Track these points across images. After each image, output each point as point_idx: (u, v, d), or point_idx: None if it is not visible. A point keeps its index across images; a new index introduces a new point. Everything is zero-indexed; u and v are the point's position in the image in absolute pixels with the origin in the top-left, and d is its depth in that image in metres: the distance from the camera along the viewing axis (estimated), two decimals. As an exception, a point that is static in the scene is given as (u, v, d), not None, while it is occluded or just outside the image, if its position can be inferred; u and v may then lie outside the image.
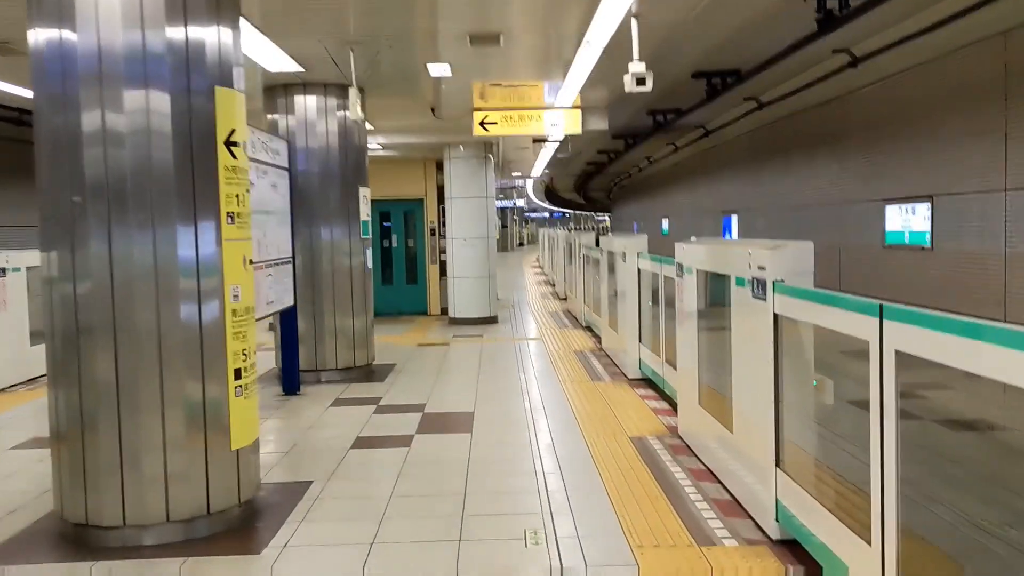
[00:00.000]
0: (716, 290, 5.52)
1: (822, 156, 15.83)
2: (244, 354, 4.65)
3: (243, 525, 4.60)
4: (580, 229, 60.40)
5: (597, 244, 11.76)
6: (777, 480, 4.17)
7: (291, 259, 8.10)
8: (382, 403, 7.75)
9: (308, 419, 7.16)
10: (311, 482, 5.35)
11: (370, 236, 9.42)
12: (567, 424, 6.75)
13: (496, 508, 4.78)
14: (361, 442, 6.34)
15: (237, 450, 4.60)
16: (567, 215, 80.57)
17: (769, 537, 4.25)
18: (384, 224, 16.11)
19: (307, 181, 8.91)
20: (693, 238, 6.35)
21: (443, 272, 14.91)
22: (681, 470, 5.43)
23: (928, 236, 11.72)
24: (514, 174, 20.60)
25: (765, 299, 4.23)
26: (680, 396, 6.27)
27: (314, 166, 8.91)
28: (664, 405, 7.38)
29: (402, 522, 4.60)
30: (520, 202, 45.19)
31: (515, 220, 63.79)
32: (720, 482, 5.12)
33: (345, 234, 9.01)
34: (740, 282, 4.63)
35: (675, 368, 6.97)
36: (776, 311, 4.15)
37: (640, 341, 8.60)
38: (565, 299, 18.13)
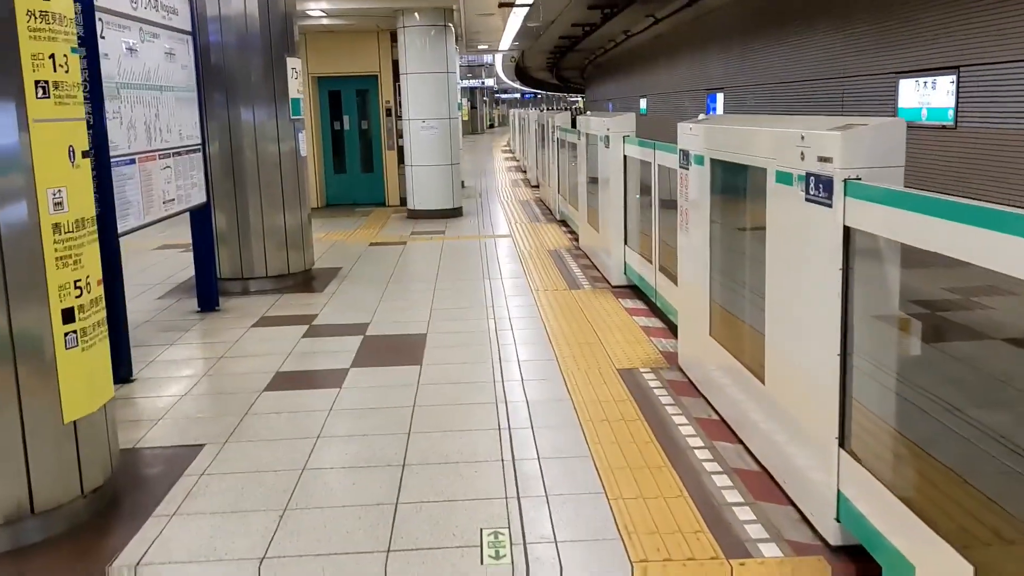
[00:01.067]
0: (737, 186, 4.14)
1: (823, 26, 14.20)
2: (80, 287, 3.25)
3: (89, 525, 3.31)
4: (553, 110, 57.97)
5: (573, 125, 10.26)
6: (841, 465, 2.91)
7: (200, 146, 6.58)
8: (316, 322, 6.41)
9: (218, 347, 5.81)
10: (202, 447, 4.04)
11: (302, 116, 7.86)
12: (541, 351, 5.47)
13: (443, 490, 3.52)
14: (279, 381, 5.02)
15: (75, 422, 3.26)
16: (539, 96, 77.82)
17: (824, 540, 3.02)
18: (334, 105, 14.40)
19: (222, 52, 7.29)
20: (702, 115, 4.91)
21: (401, 159, 13.35)
22: (687, 421, 4.18)
23: (951, 112, 10.35)
24: (480, 47, 18.73)
25: (830, 204, 2.87)
26: (682, 319, 4.97)
27: (230, 34, 7.28)
28: (657, 323, 6.10)
29: (310, 518, 3.32)
30: (490, 82, 42.95)
31: (485, 101, 61.25)
32: (742, 442, 3.88)
33: (271, 115, 7.46)
34: (783, 179, 3.26)
35: (672, 279, 5.66)
36: (848, 223, 2.80)
37: (626, 243, 7.26)
38: (537, 186, 16.67)
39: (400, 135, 13.36)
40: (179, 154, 6.14)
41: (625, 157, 7.17)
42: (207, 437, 4.16)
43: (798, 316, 3.18)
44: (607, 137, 7.33)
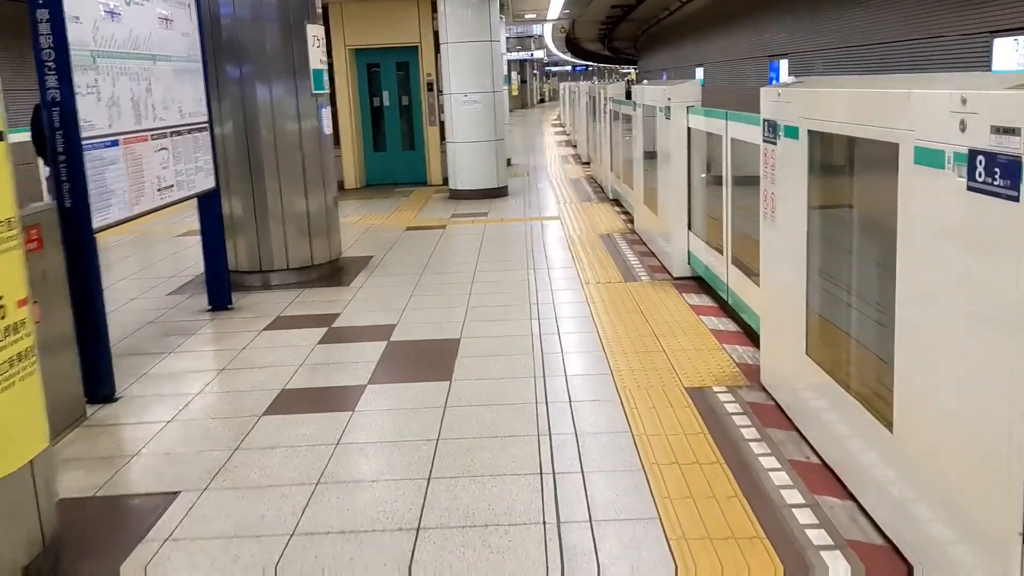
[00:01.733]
0: (847, 165, 3.23)
1: (907, -20, 12.98)
2: (-8, 310, 2.50)
3: (9, 617, 2.58)
4: (605, 82, 56.42)
5: (628, 96, 9.32)
6: (1026, 572, 2.03)
7: (207, 125, 5.83)
8: (336, 324, 5.64)
9: (222, 356, 5.07)
10: (176, 495, 3.29)
11: (326, 91, 7.06)
12: (593, 363, 4.62)
13: (463, 572, 2.71)
14: (283, 402, 4.26)
15: (-12, 486, 2.52)
16: (590, 68, 76.30)
17: (994, 670, 2.14)
18: (372, 80, 13.62)
19: (233, 19, 6.53)
20: (791, 77, 3.98)
21: (444, 136, 12.52)
22: (779, 465, 3.30)
23: (1058, 76, 9.16)
24: (527, 16, 17.77)
25: (1017, 196, 1.97)
26: (766, 328, 4.07)
27: (242, 2, 6.51)
28: (730, 325, 5.21)
29: (293, 609, 2.54)
30: (539, 54, 41.81)
31: (535, 74, 60.05)
32: (853, 498, 3.00)
33: (290, 89, 6.68)
34: (928, 158, 2.35)
35: (749, 276, 4.76)
36: (1049, 224, 1.90)
37: (690, 228, 6.35)
38: (588, 163, 15.73)
39: (442, 110, 12.53)
40: (179, 134, 5.39)
41: (689, 130, 6.25)
42: (185, 481, 3.41)
43: (955, 350, 2.28)
44: (668, 108, 6.41)
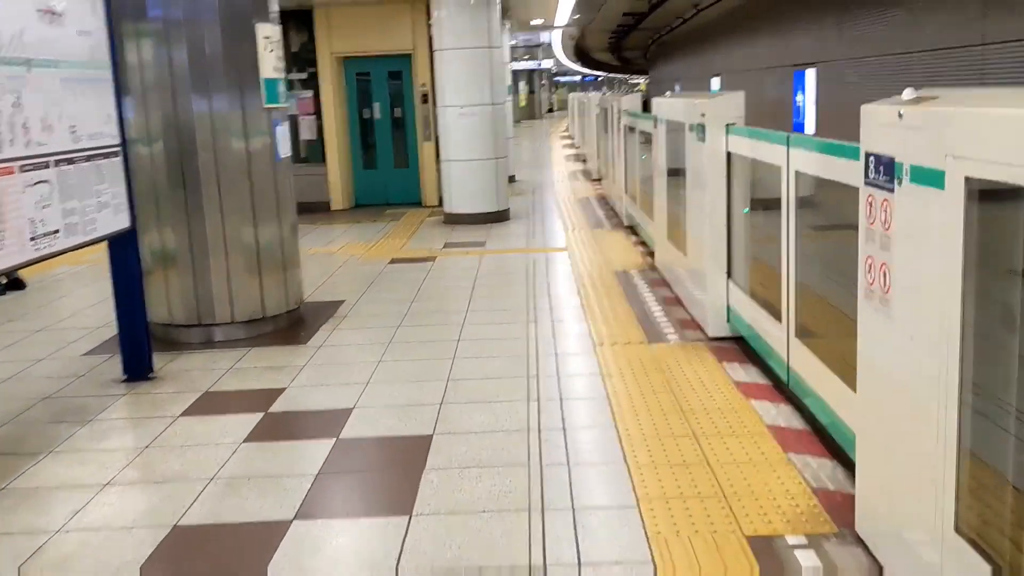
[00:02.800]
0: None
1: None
2: None
3: None
4: (616, 92, 54.70)
5: (646, 109, 8.07)
6: None
7: (117, 149, 4.59)
8: (277, 407, 4.37)
9: (114, 461, 3.79)
10: None
11: (283, 104, 5.82)
12: (612, 494, 3.32)
13: None
14: (165, 552, 2.98)
15: None
16: (599, 78, 75.15)
17: None
18: (362, 91, 12.39)
19: (162, 17, 5.30)
20: (910, 91, 2.69)
21: (439, 152, 11.29)
22: None
23: None
24: (534, 22, 16.55)
25: None
26: (869, 461, 2.77)
27: (176, -7, 5.29)
28: (794, 420, 3.90)
29: None
30: (548, 63, 40.64)
31: (543, 84, 58.90)
32: None
33: (234, 103, 5.44)
34: None
35: (825, 360, 3.49)
36: None
37: (730, 276, 5.07)
38: (599, 179, 14.48)
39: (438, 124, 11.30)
40: (70, 162, 4.14)
41: (729, 155, 4.98)
42: None
43: None
44: (701, 126, 5.13)
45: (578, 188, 13.96)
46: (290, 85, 12.04)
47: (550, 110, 67.26)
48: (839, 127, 10.72)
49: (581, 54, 47.93)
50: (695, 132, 5.30)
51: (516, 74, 44.22)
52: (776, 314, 4.22)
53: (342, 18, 11.79)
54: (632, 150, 9.11)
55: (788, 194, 3.98)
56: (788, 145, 3.92)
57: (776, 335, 4.20)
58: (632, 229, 9.33)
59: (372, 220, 11.04)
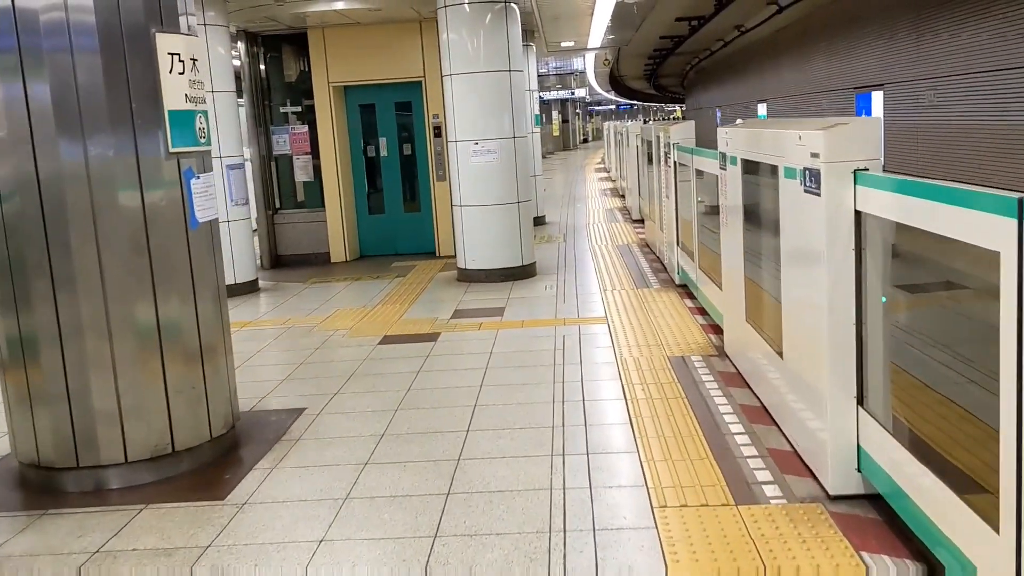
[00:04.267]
0: None
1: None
2: None
3: None
4: (658, 120, 52.85)
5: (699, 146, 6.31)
6: None
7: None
8: (127, 655, 2.64)
9: None
10: None
11: (200, 147, 4.13)
12: None
13: None
14: None
15: None
16: (634, 107, 73.55)
17: None
18: (367, 124, 10.79)
19: (13, 27, 3.65)
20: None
21: (453, 194, 9.62)
22: None
23: None
24: (565, 44, 14.89)
25: None
26: None
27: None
28: None
29: None
30: (581, 92, 39.08)
31: (577, 114, 57.40)
32: None
33: (122, 146, 3.77)
34: None
35: None
36: None
37: (861, 403, 3.25)
38: (640, 221, 12.71)
39: (450, 162, 9.62)
40: None
41: (859, 215, 3.19)
42: None
43: None
44: (812, 172, 3.35)
45: (616, 231, 12.18)
46: (284, 119, 10.48)
47: (584, 140, 65.71)
48: (920, 159, 8.79)
49: (616, 83, 46.41)
50: (799, 179, 3.52)
51: (549, 103, 42.73)
52: (956, 481, 2.39)
53: (341, 41, 10.22)
54: (686, 192, 7.33)
55: (1017, 297, 2.17)
56: (1024, 217, 2.11)
57: (957, 512, 2.38)
58: (685, 288, 7.53)
59: (375, 276, 9.35)
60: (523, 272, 8.59)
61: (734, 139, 4.86)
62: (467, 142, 8.39)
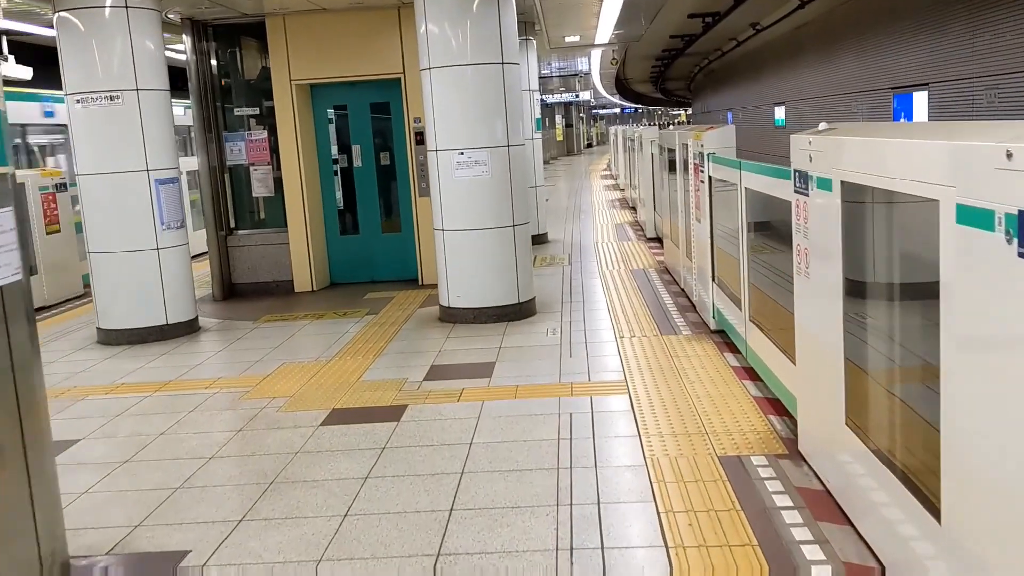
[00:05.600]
0: None
1: None
2: None
3: None
4: (667, 124, 51.09)
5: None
6: None
7: None
8: None
9: None
10: None
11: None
12: None
13: None
14: None
15: None
16: (639, 110, 72.05)
17: None
18: (339, 129, 9.21)
19: None
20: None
21: (436, 213, 8.00)
22: None
23: None
24: (568, 39, 13.30)
25: None
26: None
27: None
28: None
29: None
30: (585, 95, 37.50)
31: (582, 117, 55.79)
32: None
33: None
34: None
35: None
36: None
37: None
38: (657, 239, 11.13)
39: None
40: None
41: None
42: None
43: None
44: (984, 215, 1.75)
45: (629, 251, 10.57)
46: (240, 123, 8.92)
47: (588, 144, 64.10)
48: None
49: (621, 86, 44.86)
50: (1003, 230, 1.92)
51: (552, 107, 41.15)
52: None
53: (306, 32, 8.63)
54: (727, 215, 5.72)
55: None
56: None
57: None
58: (723, 336, 5.94)
59: (341, 312, 7.76)
60: (519, 311, 6.99)
61: (827, 152, 3.25)
62: (450, 151, 6.79)
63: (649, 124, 55.52)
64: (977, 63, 11.18)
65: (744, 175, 5.02)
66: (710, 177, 6.04)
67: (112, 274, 6.91)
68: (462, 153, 6.75)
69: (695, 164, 6.51)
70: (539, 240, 11.57)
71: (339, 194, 9.21)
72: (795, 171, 3.65)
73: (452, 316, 6.99)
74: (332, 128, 9.12)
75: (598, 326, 6.62)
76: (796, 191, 3.65)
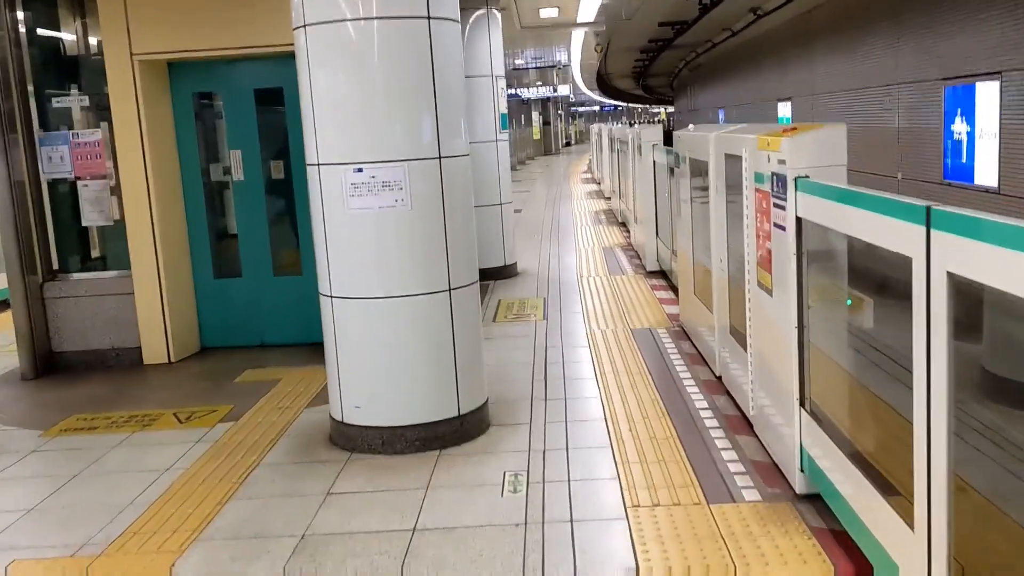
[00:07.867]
0: None
1: None
2: None
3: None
4: (648, 122, 48.25)
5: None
6: None
7: None
8: None
9: None
10: None
11: None
12: None
13: None
14: None
15: None
16: (619, 108, 69.39)
17: None
18: (207, 128, 6.40)
19: None
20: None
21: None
22: None
23: None
24: (544, 13, 10.55)
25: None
26: None
27: None
28: None
29: None
30: (564, 90, 34.73)
31: (560, 115, 52.95)
32: None
33: None
34: None
35: None
36: None
37: None
38: (662, 273, 8.41)
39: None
40: None
41: None
42: None
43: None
44: None
45: (627, 296, 7.80)
46: (62, 120, 6.10)
47: (567, 143, 61.31)
48: None
49: (602, 82, 42.25)
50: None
51: (529, 103, 38.35)
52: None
53: (156, -15, 5.81)
54: (832, 291, 2.98)
55: None
56: None
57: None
58: (820, 504, 3.21)
59: (187, 413, 4.95)
60: (460, 432, 4.20)
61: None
62: (340, 166, 4.01)
63: (631, 123, 52.86)
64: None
65: (878, 221, 2.27)
66: (799, 219, 3.29)
67: None
68: (360, 170, 3.96)
69: (759, 191, 3.75)
70: (505, 274, 8.83)
71: (211, 220, 6.40)
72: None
73: (348, 440, 4.20)
74: (198, 126, 6.29)
75: (592, 467, 3.87)
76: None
